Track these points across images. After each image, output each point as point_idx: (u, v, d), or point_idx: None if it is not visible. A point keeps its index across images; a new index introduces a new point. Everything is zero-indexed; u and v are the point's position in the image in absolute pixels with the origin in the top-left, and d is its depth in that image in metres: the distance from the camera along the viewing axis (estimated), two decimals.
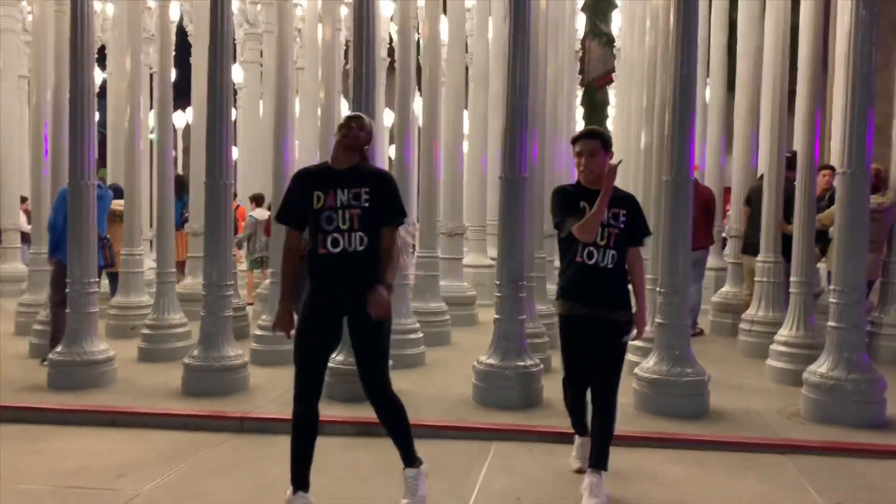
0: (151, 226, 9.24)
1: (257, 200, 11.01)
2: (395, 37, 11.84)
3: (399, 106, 7.55)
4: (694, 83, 5.14)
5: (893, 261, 6.90)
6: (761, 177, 7.53)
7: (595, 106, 22.72)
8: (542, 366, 5.50)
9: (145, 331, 6.84)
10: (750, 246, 7.47)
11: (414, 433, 4.75)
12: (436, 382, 6.01)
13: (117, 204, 7.68)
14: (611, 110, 16.98)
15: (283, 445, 4.63)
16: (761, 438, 4.69)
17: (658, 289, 5.28)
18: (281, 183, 6.87)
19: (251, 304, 9.09)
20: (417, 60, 8.51)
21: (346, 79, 10.79)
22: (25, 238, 11.23)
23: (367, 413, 3.92)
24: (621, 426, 4.60)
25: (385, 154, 13.81)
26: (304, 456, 3.59)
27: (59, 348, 5.87)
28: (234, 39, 9.82)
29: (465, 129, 10.00)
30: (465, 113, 10.01)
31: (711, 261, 9.59)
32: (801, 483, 4.10)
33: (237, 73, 11.10)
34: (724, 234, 9.87)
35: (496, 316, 5.43)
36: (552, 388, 5.38)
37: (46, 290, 7.39)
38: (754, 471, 4.28)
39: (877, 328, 6.84)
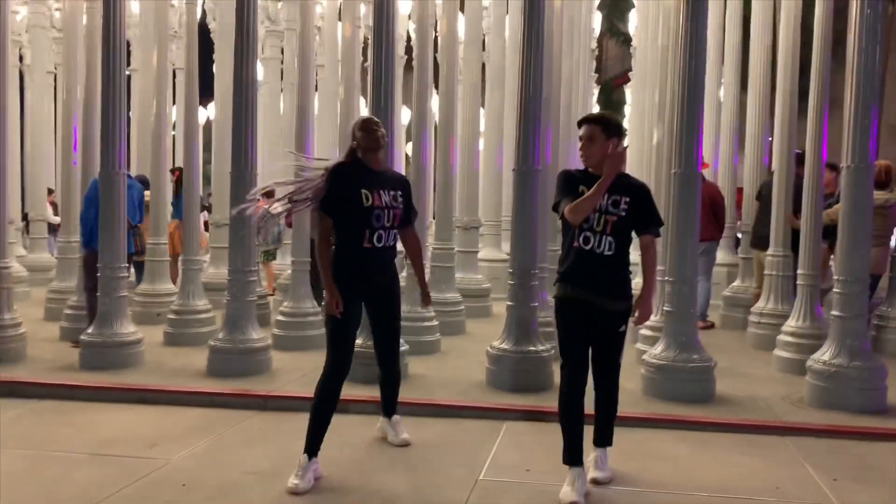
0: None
1: (269, 194, 11.26)
2: (412, 34, 12.16)
3: (417, 103, 7.79)
4: (702, 79, 5.34)
5: None
6: (773, 173, 7.72)
7: (612, 105, 22.89)
8: (552, 351, 5.71)
9: (171, 316, 7.14)
10: (759, 239, 7.67)
11: (429, 412, 5.11)
12: (451, 367, 6.25)
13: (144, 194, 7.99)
14: (627, 109, 17.14)
15: (305, 421, 4.93)
16: (763, 421, 4.90)
17: (666, 277, 5.49)
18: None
19: (272, 294, 9.36)
20: (434, 58, 8.78)
21: (365, 76, 11.10)
22: (52, 229, 11.63)
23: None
24: (630, 408, 4.88)
25: (403, 150, 14.07)
26: (325, 426, 3.97)
27: (90, 329, 6.17)
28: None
29: (482, 127, 10.23)
30: (482, 111, 10.26)
31: (723, 256, 9.79)
32: (799, 462, 4.30)
33: (258, 70, 11.39)
34: (737, 233, 10.05)
35: (509, 303, 5.67)
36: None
37: (75, 277, 7.73)
38: (756, 450, 4.49)
39: (884, 321, 7.01)
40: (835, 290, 5.29)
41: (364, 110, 11.64)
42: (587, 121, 3.77)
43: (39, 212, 11.11)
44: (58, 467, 4.12)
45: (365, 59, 11.36)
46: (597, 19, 14.01)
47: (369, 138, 4.05)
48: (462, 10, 8.59)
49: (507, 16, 10.13)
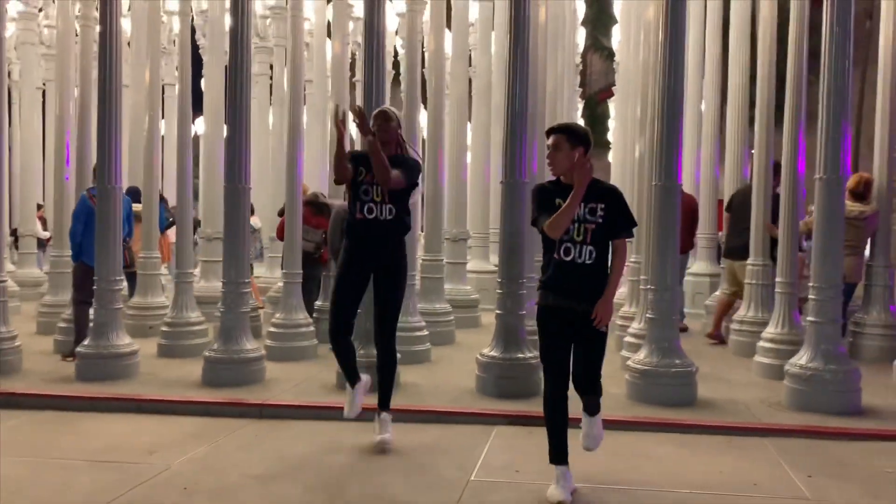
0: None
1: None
2: (399, 50, 12.41)
3: (405, 117, 7.98)
4: (681, 93, 5.60)
5: (876, 265, 7.32)
6: (744, 185, 8.01)
7: (596, 119, 23.29)
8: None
9: (164, 328, 7.28)
10: (731, 250, 7.93)
11: (421, 418, 5.28)
12: (441, 376, 6.43)
13: (135, 207, 8.13)
14: (611, 123, 17.47)
15: (301, 429, 5.15)
16: (743, 423, 5.11)
17: (648, 286, 5.71)
18: (295, 191, 7.35)
19: (261, 307, 9.50)
20: (422, 73, 9.01)
21: (353, 90, 11.33)
22: (41, 244, 11.74)
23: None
24: (615, 412, 5.08)
25: None
26: (351, 361, 4.76)
27: (86, 342, 6.31)
28: None
29: (469, 140, 10.46)
30: (469, 124, 10.50)
31: (706, 266, 10.08)
32: (777, 460, 4.51)
33: None
34: (719, 243, 10.32)
35: (497, 311, 5.87)
36: None
37: (67, 291, 7.87)
38: (736, 450, 4.71)
39: (860, 328, 7.27)
40: (810, 296, 5.52)
41: (353, 126, 11.88)
42: (553, 130, 3.87)
43: (29, 227, 11.22)
44: (60, 473, 4.26)
45: (353, 75, 11.62)
46: (581, 34, 14.36)
47: (377, 128, 4.62)
48: (449, 26, 8.82)
49: (492, 32, 10.38)
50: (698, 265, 10.21)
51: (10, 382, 6.07)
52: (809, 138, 7.01)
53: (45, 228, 12.11)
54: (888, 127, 7.29)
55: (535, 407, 5.37)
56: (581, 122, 18.72)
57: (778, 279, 6.69)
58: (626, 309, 7.47)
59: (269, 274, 10.88)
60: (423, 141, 9.70)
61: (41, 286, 10.38)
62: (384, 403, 4.75)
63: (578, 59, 14.06)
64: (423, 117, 9.59)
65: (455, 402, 5.58)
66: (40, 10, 11.23)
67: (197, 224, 9.48)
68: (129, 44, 9.56)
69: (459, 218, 8.90)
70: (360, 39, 12.68)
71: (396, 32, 11.71)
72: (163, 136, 11.63)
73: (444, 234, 8.59)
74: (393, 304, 4.70)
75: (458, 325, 8.27)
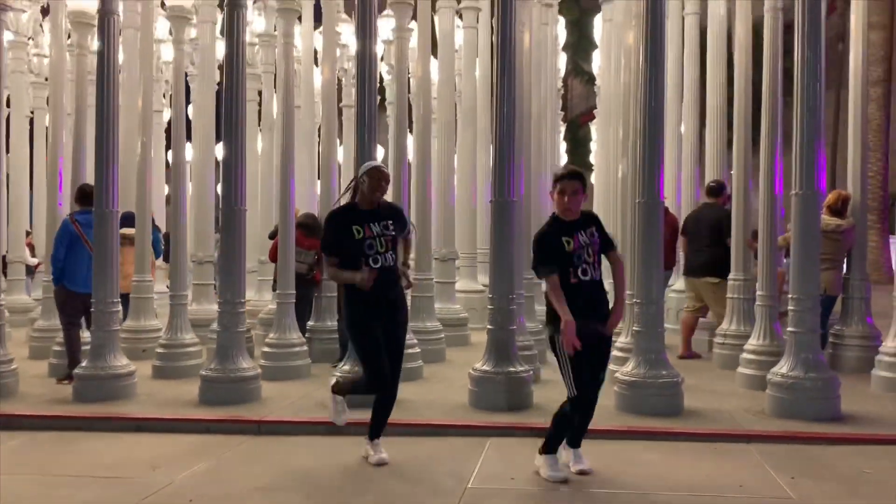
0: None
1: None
2: (385, 76, 12.70)
3: (395, 141, 8.22)
4: (662, 112, 5.88)
5: (853, 278, 7.59)
6: (694, 211, 8.58)
7: (578, 141, 23.74)
8: (531, 372, 6.13)
9: (159, 349, 7.39)
10: (690, 268, 8.34)
11: (416, 432, 5.47)
12: (435, 392, 6.58)
13: (128, 230, 8.25)
14: (593, 145, 17.84)
15: (300, 443, 5.29)
16: (728, 430, 5.33)
17: (634, 299, 5.94)
18: (287, 213, 7.53)
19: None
20: (408, 98, 9.26)
21: (340, 116, 11.57)
22: (29, 270, 11.80)
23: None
24: (605, 422, 5.27)
25: None
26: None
27: (84, 363, 6.42)
28: None
29: (456, 163, 10.70)
30: (455, 147, 10.73)
31: None
32: (761, 464, 4.72)
33: None
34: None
35: (489, 326, 6.06)
36: (540, 395, 6.02)
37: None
38: (721, 456, 4.91)
39: (840, 339, 7.51)
40: (789, 307, 5.77)
41: (341, 149, 12.12)
42: (570, 176, 4.30)
43: (17, 253, 11.28)
44: (66, 489, 4.38)
45: (340, 100, 11.87)
46: (562, 60, 14.73)
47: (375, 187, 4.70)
48: (434, 53, 9.09)
49: (477, 58, 10.68)
50: (681, 282, 10.46)
51: (8, 405, 6.16)
52: (786, 158, 7.32)
53: (32, 255, 12.16)
54: (860, 145, 7.60)
55: (528, 419, 5.59)
56: (564, 144, 19.11)
57: (758, 292, 6.95)
58: None
59: (257, 297, 10.99)
60: (410, 165, 9.94)
61: (31, 312, 10.42)
62: (378, 433, 4.79)
63: (560, 84, 14.44)
64: (409, 141, 9.83)
65: (449, 416, 5.74)
66: (30, 38, 11.40)
67: None
68: (119, 71, 9.74)
69: (448, 238, 9.11)
70: (346, 66, 13.07)
71: (382, 59, 11.98)
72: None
73: (433, 253, 8.78)
74: (402, 342, 4.83)
75: (448, 343, 8.43)
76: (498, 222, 6.02)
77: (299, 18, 9.18)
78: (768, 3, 7.29)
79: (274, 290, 8.22)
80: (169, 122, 10.03)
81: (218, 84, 8.95)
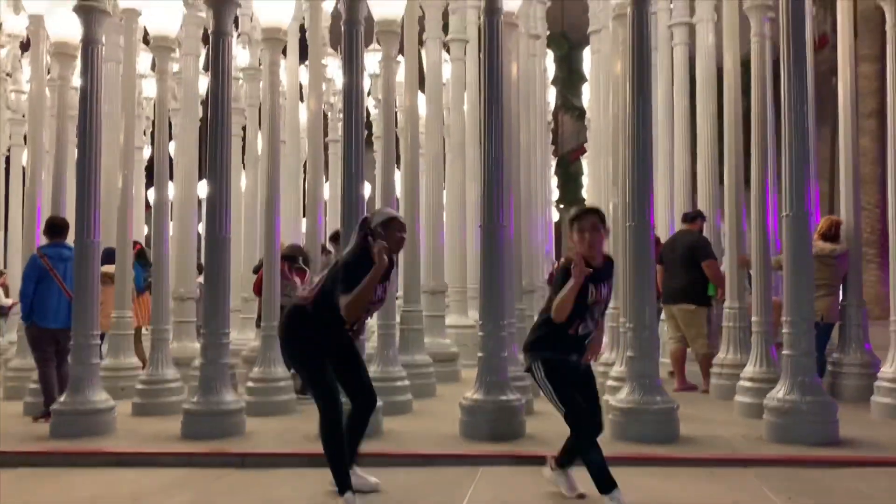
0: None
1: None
2: (372, 110, 12.99)
3: (383, 175, 8.37)
4: (651, 139, 6.10)
5: (850, 304, 7.76)
6: (670, 238, 8.91)
7: (570, 176, 24.13)
8: (523, 400, 6.21)
9: (140, 386, 7.43)
10: (667, 296, 8.48)
11: (407, 462, 5.51)
12: (425, 424, 6.65)
13: (108, 267, 8.35)
14: (584, 180, 18.13)
15: (285, 475, 5.35)
16: (725, 454, 5.43)
17: (627, 325, 6.07)
18: (273, 247, 7.66)
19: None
20: (395, 132, 9.48)
21: (325, 150, 11.80)
22: (1, 311, 11.83)
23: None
24: None
25: None
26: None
27: (61, 398, 6.46)
28: None
29: (444, 196, 10.89)
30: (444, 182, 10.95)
31: None
32: (759, 487, 4.82)
33: None
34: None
35: (480, 354, 6.16)
36: (534, 425, 6.10)
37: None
38: (718, 479, 5.01)
39: (838, 367, 7.65)
40: (784, 330, 5.91)
41: (327, 185, 12.32)
42: (591, 213, 4.45)
43: None
44: None
45: (326, 135, 12.12)
46: (551, 93, 15.10)
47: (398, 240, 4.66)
48: (422, 86, 9.34)
49: (465, 92, 10.95)
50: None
51: None
52: (779, 184, 7.56)
53: (7, 295, 12.20)
54: (851, 172, 7.86)
55: (520, 447, 5.68)
56: (555, 179, 19.42)
57: (753, 318, 7.10)
58: (608, 356, 7.81)
59: (240, 335, 11.03)
60: (397, 199, 10.12)
61: (3, 354, 10.43)
62: (356, 461, 4.72)
63: (550, 118, 14.76)
64: (397, 176, 10.03)
65: (440, 446, 5.81)
66: (8, 74, 11.64)
67: None
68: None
69: (437, 271, 9.24)
70: (332, 100, 13.37)
71: (369, 93, 12.27)
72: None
73: (422, 287, 8.90)
74: (358, 352, 4.87)
75: (438, 378, 8.49)
76: (487, 248, 6.18)
77: (284, 52, 9.44)
78: (755, 28, 7.58)
79: (258, 325, 8.33)
80: (150, 159, 10.24)
81: (201, 120, 9.20)
